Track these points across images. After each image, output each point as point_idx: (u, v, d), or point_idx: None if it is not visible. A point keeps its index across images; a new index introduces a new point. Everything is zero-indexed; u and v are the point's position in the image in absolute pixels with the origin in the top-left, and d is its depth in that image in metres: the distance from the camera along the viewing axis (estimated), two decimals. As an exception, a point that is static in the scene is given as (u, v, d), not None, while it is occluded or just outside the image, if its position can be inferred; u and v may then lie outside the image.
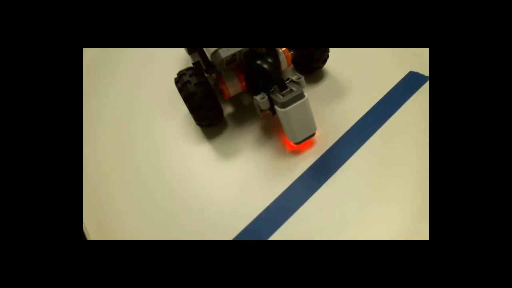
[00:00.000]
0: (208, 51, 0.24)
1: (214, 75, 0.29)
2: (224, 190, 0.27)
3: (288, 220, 0.25)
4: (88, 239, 0.26)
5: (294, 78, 0.25)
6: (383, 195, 0.25)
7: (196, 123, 0.30)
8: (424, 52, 0.32)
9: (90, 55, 0.37)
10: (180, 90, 0.27)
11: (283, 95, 0.24)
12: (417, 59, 0.32)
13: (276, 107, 0.25)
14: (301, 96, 0.24)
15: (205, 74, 0.28)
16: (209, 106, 0.27)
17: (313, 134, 0.26)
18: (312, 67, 0.31)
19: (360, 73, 0.31)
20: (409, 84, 0.30)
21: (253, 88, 0.27)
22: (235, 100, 0.31)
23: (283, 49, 0.29)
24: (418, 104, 0.29)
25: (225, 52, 0.23)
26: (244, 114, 0.30)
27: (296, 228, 0.24)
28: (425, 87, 0.30)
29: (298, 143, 0.26)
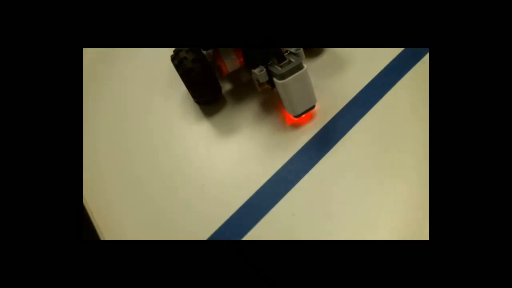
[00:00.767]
0: None
1: (211, 51, 0.28)
2: (224, 166, 0.27)
3: (290, 192, 0.25)
4: (86, 238, 0.26)
5: (292, 49, 0.25)
6: (385, 167, 0.25)
7: (195, 100, 0.29)
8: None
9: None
10: (177, 67, 0.26)
11: (281, 67, 0.24)
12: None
13: (274, 79, 0.24)
14: (300, 67, 0.24)
15: (202, 50, 0.27)
16: (206, 82, 0.27)
17: (313, 107, 0.26)
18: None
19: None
20: (409, 55, 0.30)
21: (251, 63, 0.27)
22: (233, 77, 0.31)
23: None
24: (418, 75, 0.29)
25: None
26: (243, 90, 0.30)
27: (297, 200, 0.25)
28: (425, 58, 0.30)
29: (297, 116, 0.26)
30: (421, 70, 0.29)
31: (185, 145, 0.29)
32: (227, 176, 0.26)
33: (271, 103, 0.29)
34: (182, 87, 0.31)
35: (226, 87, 0.31)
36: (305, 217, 0.24)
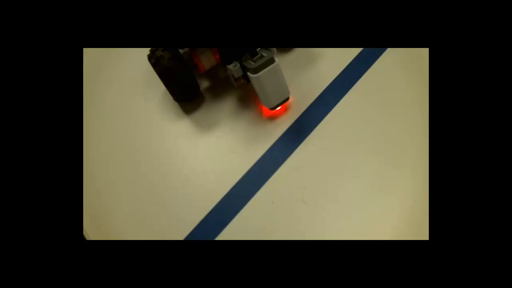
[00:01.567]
0: None
1: (187, 49, 0.29)
2: (205, 160, 0.28)
3: (268, 181, 0.26)
4: (88, 239, 0.26)
5: (264, 45, 0.26)
6: (358, 148, 0.27)
7: (173, 98, 0.30)
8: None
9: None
10: (154, 65, 0.27)
11: (254, 62, 0.25)
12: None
13: (248, 73, 0.25)
14: (271, 61, 0.25)
15: (178, 49, 0.28)
16: (184, 80, 0.28)
17: (287, 99, 0.27)
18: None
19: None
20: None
21: (226, 59, 0.28)
22: (210, 74, 0.32)
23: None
24: (385, 63, 0.30)
25: None
26: (220, 87, 0.31)
27: (276, 188, 0.26)
28: (389, 49, 0.31)
29: (273, 109, 0.27)
30: (387, 59, 0.31)
31: (166, 142, 0.29)
32: (208, 169, 0.27)
33: (247, 98, 0.30)
34: (161, 86, 0.32)
35: (204, 84, 0.32)
36: (283, 203, 0.25)
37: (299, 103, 0.29)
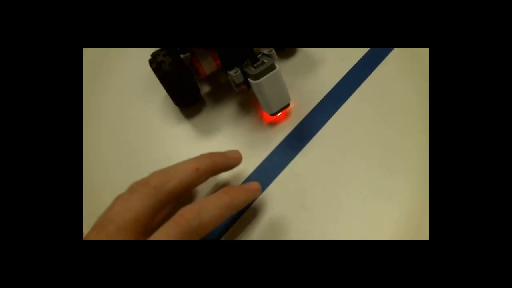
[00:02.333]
0: None
1: (188, 54, 0.29)
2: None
3: (269, 187, 0.26)
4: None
5: (265, 51, 0.26)
6: (358, 154, 0.27)
7: (174, 103, 0.30)
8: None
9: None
10: (155, 70, 0.27)
11: (255, 68, 0.25)
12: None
13: (249, 79, 0.26)
14: (272, 67, 0.25)
15: (179, 54, 0.28)
16: (185, 85, 0.28)
17: (288, 105, 0.27)
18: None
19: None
20: (376, 53, 0.32)
21: (227, 64, 0.28)
22: (211, 80, 0.32)
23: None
24: (390, 66, 0.30)
25: None
26: (221, 92, 0.31)
27: (276, 194, 0.26)
28: (391, 54, 0.31)
29: (273, 114, 0.27)
30: (388, 66, 0.31)
31: (166, 147, 0.29)
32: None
33: (248, 104, 0.30)
34: (162, 90, 0.32)
35: (204, 89, 0.32)
36: (283, 210, 0.25)
37: (299, 109, 0.29)
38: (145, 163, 0.28)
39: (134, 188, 0.21)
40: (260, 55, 0.26)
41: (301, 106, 0.29)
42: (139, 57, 0.33)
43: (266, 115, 0.29)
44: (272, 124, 0.29)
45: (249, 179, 0.27)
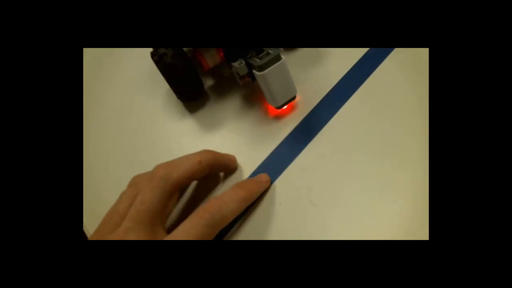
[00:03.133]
0: None
1: (191, 47, 0.29)
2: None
3: (275, 182, 0.25)
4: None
5: (270, 42, 0.26)
6: (364, 149, 0.26)
7: (177, 96, 0.30)
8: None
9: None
10: (157, 63, 0.26)
11: (260, 59, 0.24)
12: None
13: (254, 71, 0.25)
14: (278, 58, 0.24)
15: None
16: (187, 78, 0.27)
17: (294, 97, 0.26)
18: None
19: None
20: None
21: (231, 56, 0.27)
22: (214, 73, 0.31)
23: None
24: (397, 60, 0.30)
25: None
26: (225, 85, 0.30)
27: (283, 189, 0.25)
28: (397, 49, 0.30)
29: (279, 107, 0.26)
30: (396, 58, 0.30)
31: (169, 141, 0.29)
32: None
33: (253, 96, 0.29)
34: (164, 85, 0.31)
35: (208, 82, 0.31)
36: (291, 205, 0.24)
37: (305, 102, 0.28)
38: (148, 159, 0.28)
39: (136, 181, 0.22)
40: (265, 46, 0.25)
41: (307, 99, 0.29)
42: (141, 50, 0.33)
43: (272, 108, 0.28)
44: (278, 117, 0.28)
45: (255, 173, 0.26)
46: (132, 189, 0.21)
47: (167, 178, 0.21)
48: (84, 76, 0.33)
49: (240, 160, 0.27)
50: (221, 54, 0.28)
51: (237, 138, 0.28)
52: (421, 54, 0.29)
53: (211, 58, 0.28)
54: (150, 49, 0.28)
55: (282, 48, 0.26)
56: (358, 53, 0.30)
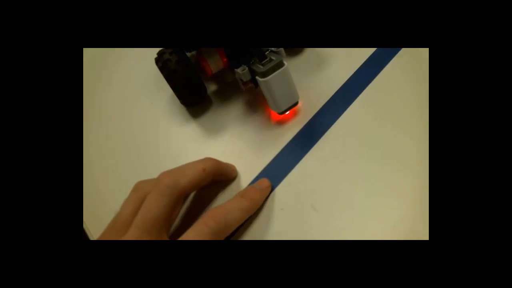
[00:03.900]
0: None
1: (194, 53, 0.29)
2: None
3: (277, 187, 0.25)
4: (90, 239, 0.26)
5: (273, 48, 0.26)
6: (366, 154, 0.26)
7: (181, 101, 0.30)
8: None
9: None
10: (161, 69, 0.27)
11: (263, 65, 0.25)
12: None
13: (257, 77, 0.25)
14: (280, 64, 0.24)
15: (185, 52, 0.28)
16: (191, 83, 0.27)
17: (296, 103, 0.27)
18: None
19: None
20: (387, 49, 0.31)
21: (234, 62, 0.27)
22: (218, 78, 0.31)
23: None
24: (400, 64, 0.30)
25: None
26: (228, 90, 0.31)
27: (285, 195, 0.25)
28: (401, 52, 0.30)
29: (282, 113, 0.26)
30: (398, 63, 0.30)
31: (172, 146, 0.29)
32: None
33: (256, 102, 0.30)
34: (168, 89, 0.31)
35: (211, 88, 0.31)
36: (293, 210, 0.24)
37: (308, 108, 0.29)
38: (151, 163, 0.28)
39: (140, 187, 0.22)
40: (268, 52, 0.26)
41: (309, 104, 0.29)
42: (145, 56, 0.33)
43: (274, 114, 0.28)
44: (280, 123, 0.28)
45: (257, 179, 0.26)
46: (135, 195, 0.21)
47: (173, 186, 0.21)
48: (84, 76, 0.34)
49: (242, 165, 0.27)
50: (225, 60, 0.28)
51: (239, 143, 0.28)
52: (425, 58, 0.29)
53: (215, 63, 0.28)
54: (154, 53, 0.28)
55: (284, 55, 0.26)
56: (360, 58, 0.31)
